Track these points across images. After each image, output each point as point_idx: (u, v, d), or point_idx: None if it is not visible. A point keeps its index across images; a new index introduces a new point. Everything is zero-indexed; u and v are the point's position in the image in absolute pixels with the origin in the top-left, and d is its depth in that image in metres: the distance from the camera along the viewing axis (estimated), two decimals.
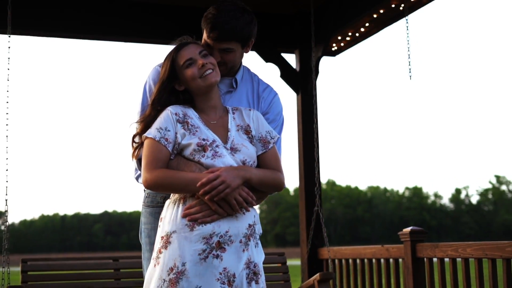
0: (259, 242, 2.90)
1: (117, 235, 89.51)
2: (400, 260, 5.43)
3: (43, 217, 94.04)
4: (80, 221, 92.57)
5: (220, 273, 2.73)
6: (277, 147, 3.06)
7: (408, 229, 5.15)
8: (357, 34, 6.82)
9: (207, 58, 2.95)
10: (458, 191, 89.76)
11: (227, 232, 2.76)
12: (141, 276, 4.71)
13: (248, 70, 3.37)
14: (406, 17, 5.54)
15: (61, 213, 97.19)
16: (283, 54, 6.94)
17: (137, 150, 2.97)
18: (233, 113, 3.01)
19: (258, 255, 2.87)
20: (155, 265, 2.79)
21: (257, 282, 2.83)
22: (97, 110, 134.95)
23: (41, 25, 6.26)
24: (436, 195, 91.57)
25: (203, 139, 2.83)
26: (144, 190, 3.24)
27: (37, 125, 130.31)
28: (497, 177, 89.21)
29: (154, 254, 2.82)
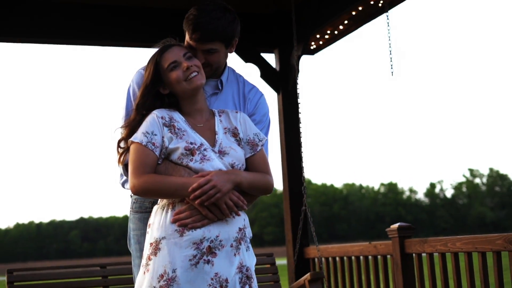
0: (250, 245, 2.87)
1: (94, 241, 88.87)
2: (389, 256, 5.42)
3: (18, 226, 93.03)
4: (56, 228, 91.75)
5: (212, 279, 2.69)
6: (264, 149, 3.03)
7: (396, 225, 5.14)
8: (335, 32, 6.81)
9: (191, 61, 2.90)
10: (432, 186, 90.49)
11: (217, 236, 2.72)
12: (130, 282, 4.69)
13: (233, 71, 3.33)
14: (387, 13, 5.53)
15: (37, 221, 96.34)
16: (262, 54, 6.91)
17: (123, 156, 2.91)
18: (220, 116, 2.97)
19: (249, 258, 2.84)
20: (144, 273, 2.74)
21: (250, 287, 2.80)
22: (72, 116, 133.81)
23: (14, 32, 6.14)
24: (411, 190, 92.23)
25: (191, 143, 2.79)
26: (131, 196, 3.18)
27: (7, 133, 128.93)
28: (471, 171, 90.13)
29: (144, 261, 2.77)
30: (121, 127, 2.98)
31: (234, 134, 2.92)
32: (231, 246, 2.75)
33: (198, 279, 2.68)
